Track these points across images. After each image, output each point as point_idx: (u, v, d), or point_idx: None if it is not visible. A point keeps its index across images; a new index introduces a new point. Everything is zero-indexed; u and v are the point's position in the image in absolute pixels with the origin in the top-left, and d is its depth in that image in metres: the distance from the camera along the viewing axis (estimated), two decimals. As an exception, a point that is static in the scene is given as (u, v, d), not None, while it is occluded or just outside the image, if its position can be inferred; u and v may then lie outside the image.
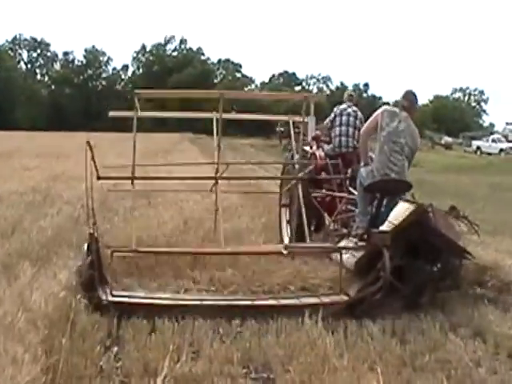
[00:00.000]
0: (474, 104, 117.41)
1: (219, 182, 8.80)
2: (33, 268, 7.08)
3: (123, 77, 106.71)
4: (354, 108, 10.11)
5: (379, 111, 7.79)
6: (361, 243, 7.30)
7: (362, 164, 7.88)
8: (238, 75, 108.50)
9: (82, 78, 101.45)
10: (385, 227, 7.29)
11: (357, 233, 7.34)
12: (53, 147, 33.49)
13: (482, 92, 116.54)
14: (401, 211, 7.32)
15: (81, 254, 7.06)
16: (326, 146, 10.17)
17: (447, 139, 72.14)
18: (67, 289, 6.29)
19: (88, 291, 6.50)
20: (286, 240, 9.60)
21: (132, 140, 8.57)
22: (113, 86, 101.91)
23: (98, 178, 8.06)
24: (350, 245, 7.50)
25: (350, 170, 9.46)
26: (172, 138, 50.82)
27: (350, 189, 8.92)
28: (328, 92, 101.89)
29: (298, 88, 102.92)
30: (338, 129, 10.00)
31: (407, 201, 7.49)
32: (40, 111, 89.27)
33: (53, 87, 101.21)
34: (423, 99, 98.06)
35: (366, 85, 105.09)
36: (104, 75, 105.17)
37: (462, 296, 7.44)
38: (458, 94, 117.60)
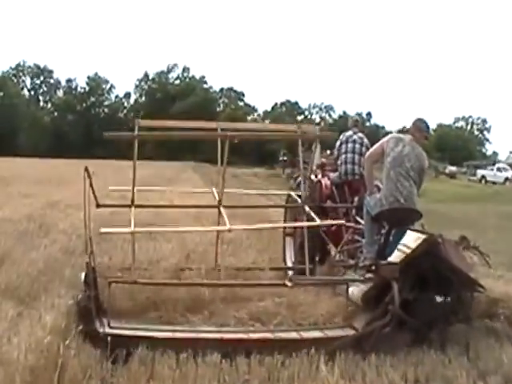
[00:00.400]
0: (476, 133, 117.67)
1: (223, 212, 8.40)
2: (16, 308, 6.63)
3: (126, 104, 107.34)
4: (360, 134, 9.90)
5: (385, 139, 7.57)
6: (368, 275, 7.02)
7: (367, 192, 7.62)
8: (241, 104, 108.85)
9: (84, 105, 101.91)
10: (393, 258, 7.03)
11: (364, 264, 7.06)
12: (53, 174, 32.93)
13: (484, 120, 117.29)
14: (410, 241, 7.06)
15: (76, 286, 6.77)
16: (332, 174, 9.94)
17: (451, 168, 71.96)
18: (54, 333, 5.71)
19: (84, 323, 6.22)
20: (290, 271, 9.31)
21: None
22: (115, 113, 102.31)
23: (98, 205, 7.84)
24: (357, 277, 7.22)
25: (356, 199, 9.22)
26: (174, 167, 50.65)
27: (357, 218, 8.65)
28: (331, 121, 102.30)
29: (300, 117, 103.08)
30: (343, 156, 9.79)
31: (416, 231, 7.25)
32: (42, 138, 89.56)
33: (55, 114, 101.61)
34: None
35: (369, 114, 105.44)
36: (106, 103, 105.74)
37: (475, 330, 7.14)
38: (461, 123, 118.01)
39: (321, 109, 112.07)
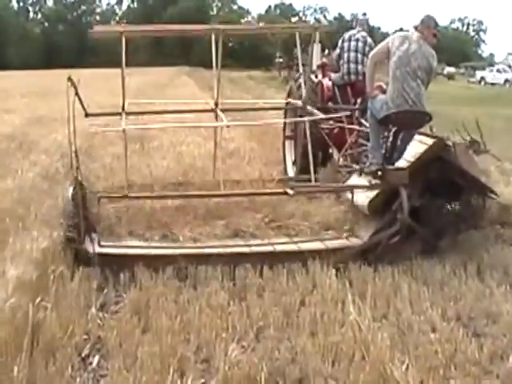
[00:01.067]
0: (472, 34, 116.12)
1: (220, 115, 7.84)
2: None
3: (117, 11, 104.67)
4: (364, 33, 9.22)
5: (390, 38, 6.96)
6: (375, 181, 6.59)
7: (369, 93, 7.05)
8: (234, 7, 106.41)
9: (75, 14, 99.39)
10: (401, 163, 6.60)
11: (370, 170, 6.59)
12: (41, 86, 30.68)
13: (480, 22, 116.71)
14: (418, 146, 6.62)
15: (55, 225, 6.11)
16: (333, 75, 9.36)
17: (449, 69, 70.49)
18: (22, 290, 4.58)
19: (72, 243, 5.82)
20: (291, 175, 8.97)
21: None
22: (107, 21, 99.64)
23: (86, 115, 7.29)
24: (362, 183, 6.79)
25: (359, 100, 8.70)
26: (168, 72, 49.20)
27: (362, 121, 8.14)
28: (326, 22, 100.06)
29: (294, 19, 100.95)
30: (346, 55, 9.14)
31: (424, 134, 6.78)
32: (33, 50, 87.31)
33: (46, 25, 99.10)
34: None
35: (364, 14, 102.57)
36: (98, 10, 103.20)
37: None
38: (457, 24, 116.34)
39: (315, 10, 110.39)
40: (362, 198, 6.69)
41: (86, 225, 6.05)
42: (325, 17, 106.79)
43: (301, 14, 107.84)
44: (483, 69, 65.50)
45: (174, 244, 6.33)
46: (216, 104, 7.94)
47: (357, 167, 7.21)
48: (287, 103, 9.36)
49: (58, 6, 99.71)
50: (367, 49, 9.01)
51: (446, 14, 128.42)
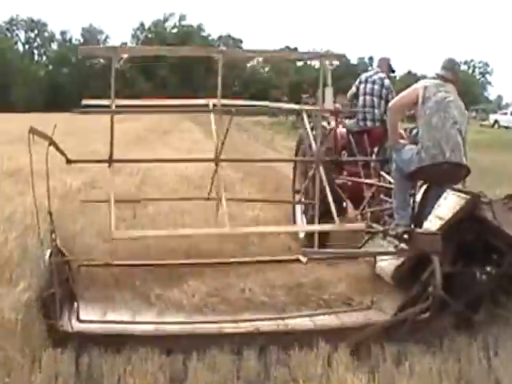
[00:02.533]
0: (478, 76, 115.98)
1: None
2: None
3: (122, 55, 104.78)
4: (382, 75, 8.43)
5: (419, 84, 6.10)
6: (401, 245, 5.68)
7: (391, 144, 6.18)
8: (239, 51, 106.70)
9: (79, 57, 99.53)
10: (429, 224, 5.70)
11: (396, 232, 5.69)
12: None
13: (486, 64, 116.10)
14: (448, 203, 5.72)
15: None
16: (348, 121, 8.53)
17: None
18: None
19: (47, 317, 4.90)
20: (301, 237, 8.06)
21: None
22: (111, 63, 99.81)
23: (68, 161, 6.34)
24: (386, 247, 5.88)
25: (376, 150, 7.86)
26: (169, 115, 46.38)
27: (382, 173, 7.28)
28: (331, 67, 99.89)
29: (299, 64, 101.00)
30: (362, 98, 8.38)
31: (454, 189, 5.89)
32: (37, 92, 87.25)
33: (50, 67, 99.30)
34: (430, 73, 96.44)
35: (371, 58, 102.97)
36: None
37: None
38: (463, 67, 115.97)
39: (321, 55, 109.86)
40: (385, 264, 5.78)
41: (64, 295, 5.14)
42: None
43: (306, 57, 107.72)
44: (494, 112, 64.30)
45: (172, 319, 5.35)
46: (218, 153, 6.91)
47: (379, 227, 6.30)
48: (298, 147, 8.51)
49: (62, 49, 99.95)
50: (384, 91, 8.24)
51: (451, 56, 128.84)
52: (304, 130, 8.71)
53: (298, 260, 5.66)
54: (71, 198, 9.53)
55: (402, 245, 5.65)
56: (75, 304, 5.20)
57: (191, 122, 40.94)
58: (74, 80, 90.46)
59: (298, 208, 8.84)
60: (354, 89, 8.69)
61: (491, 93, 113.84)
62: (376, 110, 8.35)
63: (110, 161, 6.50)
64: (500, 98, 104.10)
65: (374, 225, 6.62)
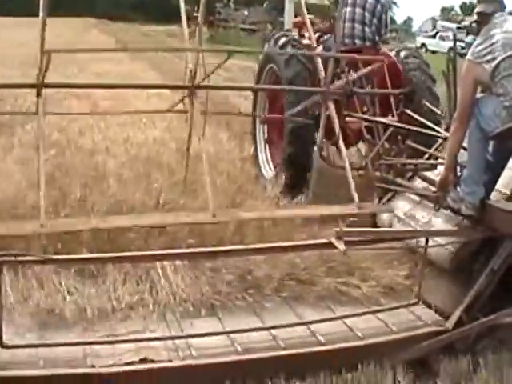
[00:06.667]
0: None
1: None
2: None
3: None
4: None
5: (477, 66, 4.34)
6: (465, 224, 4.21)
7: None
8: None
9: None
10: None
11: (468, 213, 4.15)
12: None
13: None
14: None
15: None
16: (326, 37, 6.88)
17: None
18: None
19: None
20: (268, 175, 6.77)
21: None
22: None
23: None
24: (443, 225, 4.39)
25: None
26: (74, 24, 37.94)
27: (407, 111, 5.78)
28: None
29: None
30: (349, 10, 6.64)
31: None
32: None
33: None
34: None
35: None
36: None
37: None
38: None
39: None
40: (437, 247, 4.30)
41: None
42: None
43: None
44: (418, 35, 62.17)
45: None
46: (193, 76, 5.02)
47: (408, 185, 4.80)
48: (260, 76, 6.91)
49: None
50: (379, 8, 6.61)
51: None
52: (270, 43, 6.94)
53: (333, 246, 3.91)
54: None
55: (466, 221, 4.16)
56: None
57: (97, 30, 36.05)
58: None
59: (262, 145, 7.32)
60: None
61: (397, 13, 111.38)
62: (366, 28, 6.64)
63: (42, 85, 4.47)
64: (410, 19, 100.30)
65: (403, 181, 5.12)
